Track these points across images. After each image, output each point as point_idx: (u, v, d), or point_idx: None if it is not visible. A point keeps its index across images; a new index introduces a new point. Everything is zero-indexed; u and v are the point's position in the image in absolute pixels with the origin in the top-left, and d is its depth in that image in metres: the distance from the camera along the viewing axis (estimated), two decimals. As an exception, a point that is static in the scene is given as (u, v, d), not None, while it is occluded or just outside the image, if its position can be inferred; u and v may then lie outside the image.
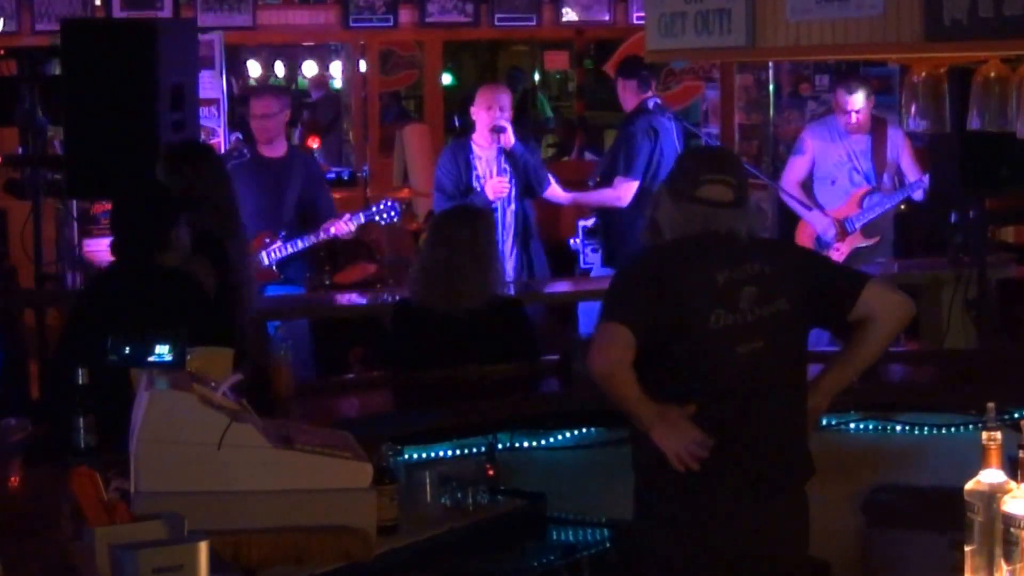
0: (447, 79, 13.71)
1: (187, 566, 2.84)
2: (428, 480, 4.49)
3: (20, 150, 7.32)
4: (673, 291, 3.94)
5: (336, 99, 13.90)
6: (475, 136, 7.79)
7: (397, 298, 6.18)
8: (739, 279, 3.96)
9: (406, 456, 4.65)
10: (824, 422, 4.92)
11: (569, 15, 11.05)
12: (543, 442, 5.16)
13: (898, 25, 5.26)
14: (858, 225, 8.12)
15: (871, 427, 5.27)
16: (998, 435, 2.99)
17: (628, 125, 8.05)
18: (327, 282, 8.13)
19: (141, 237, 4.92)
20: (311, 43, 13.45)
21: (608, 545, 4.61)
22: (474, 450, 4.98)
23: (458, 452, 4.97)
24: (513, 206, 7.70)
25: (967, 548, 2.97)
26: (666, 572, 4.02)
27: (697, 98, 11.52)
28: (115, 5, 9.82)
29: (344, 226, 7.44)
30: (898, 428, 5.27)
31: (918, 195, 8.12)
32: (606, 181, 8.06)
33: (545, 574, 4.51)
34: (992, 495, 2.93)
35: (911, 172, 8.16)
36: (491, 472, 4.76)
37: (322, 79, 14.68)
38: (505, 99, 7.76)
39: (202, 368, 4.00)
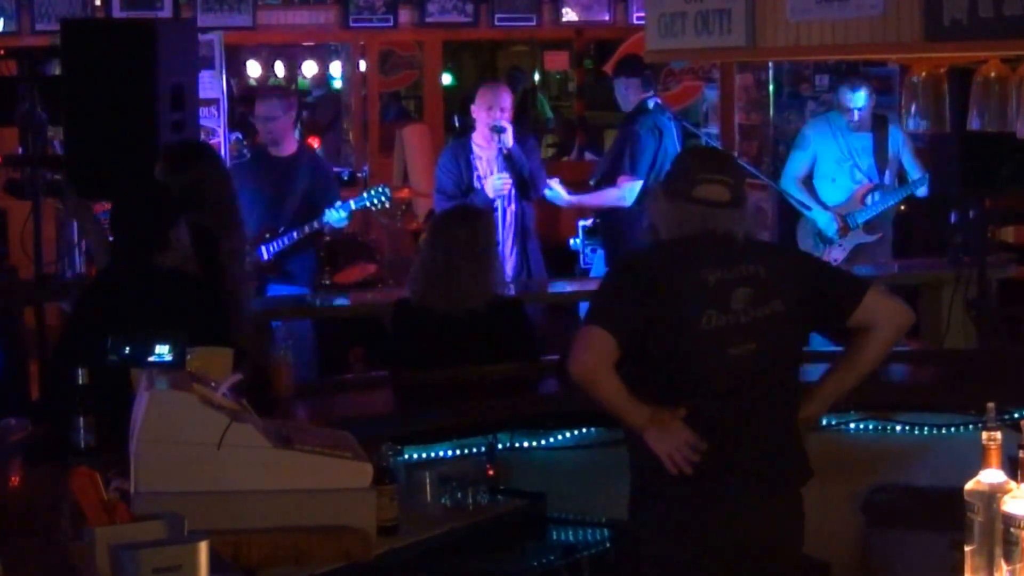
0: (447, 79, 13.73)
1: (187, 566, 2.84)
2: (428, 480, 4.49)
3: (20, 150, 7.31)
4: (663, 292, 3.92)
5: (336, 99, 13.91)
6: (475, 136, 7.79)
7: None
8: (732, 280, 3.95)
9: (406, 456, 4.65)
10: (824, 422, 4.92)
11: (569, 15, 11.06)
12: (543, 442, 5.16)
13: (898, 25, 5.26)
14: (861, 221, 8.13)
15: (871, 427, 5.27)
16: (998, 435, 2.98)
17: (631, 124, 8.03)
18: (327, 282, 8.13)
19: (140, 237, 4.92)
20: (311, 43, 13.45)
21: (608, 545, 4.60)
22: (474, 450, 4.98)
23: (458, 452, 4.97)
24: (513, 206, 7.70)
25: (967, 548, 2.97)
26: (661, 574, 4.01)
27: (697, 98, 11.52)
28: (115, 5, 9.82)
29: (335, 213, 7.42)
30: (898, 428, 5.26)
31: (922, 191, 8.13)
32: (608, 181, 8.06)
33: (545, 574, 4.50)
34: (992, 495, 2.93)
35: (913, 169, 8.17)
36: (491, 472, 4.76)
37: (322, 79, 14.69)
38: (506, 99, 7.76)
39: (202, 368, 4.00)
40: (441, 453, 4.94)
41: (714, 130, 10.87)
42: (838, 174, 8.21)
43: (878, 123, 8.21)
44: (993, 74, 5.44)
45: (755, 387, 3.94)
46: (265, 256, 7.43)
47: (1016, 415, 4.80)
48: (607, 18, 11.07)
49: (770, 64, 10.05)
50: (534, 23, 11.05)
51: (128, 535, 3.05)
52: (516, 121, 8.21)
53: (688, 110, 11.34)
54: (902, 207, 8.45)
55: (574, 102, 13.85)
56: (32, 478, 4.31)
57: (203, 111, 8.77)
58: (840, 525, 5.17)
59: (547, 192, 8.00)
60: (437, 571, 4.25)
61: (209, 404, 3.68)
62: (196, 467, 3.61)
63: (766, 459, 3.98)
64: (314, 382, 6.02)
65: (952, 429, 5.16)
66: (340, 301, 7.67)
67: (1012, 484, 2.93)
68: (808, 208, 8.18)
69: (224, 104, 9.69)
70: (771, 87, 10.42)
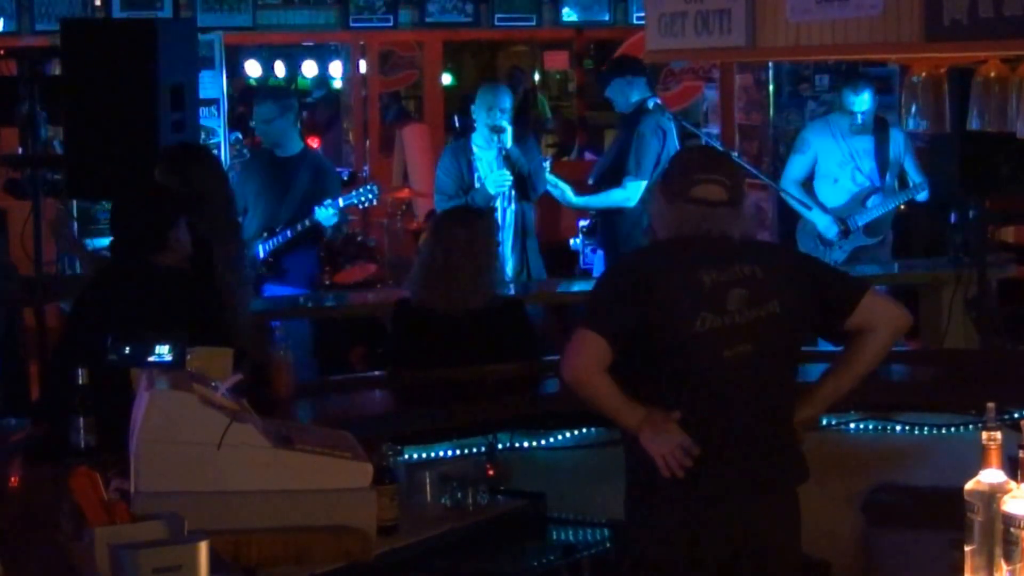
0: (447, 79, 13.72)
1: (187, 566, 2.84)
2: (428, 480, 4.49)
3: (20, 150, 7.31)
4: (657, 294, 3.90)
5: (336, 99, 13.90)
6: (475, 136, 7.79)
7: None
8: (728, 281, 3.93)
9: (406, 456, 4.65)
10: (824, 422, 4.92)
11: (569, 15, 11.06)
12: (543, 442, 5.16)
13: (898, 25, 5.27)
14: (861, 223, 8.12)
15: (871, 427, 5.27)
16: (998, 435, 2.98)
17: (636, 125, 7.99)
18: (327, 282, 8.13)
19: (140, 237, 4.92)
20: (311, 43, 13.45)
21: (608, 545, 4.60)
22: (474, 450, 4.98)
23: (458, 452, 4.97)
24: (513, 206, 7.70)
25: (967, 548, 2.98)
26: (656, 575, 4.01)
27: (697, 98, 11.52)
28: (115, 5, 9.82)
29: (325, 211, 7.41)
30: (898, 428, 5.26)
31: (922, 196, 8.11)
32: (610, 181, 8.04)
33: (545, 574, 4.50)
34: (992, 495, 2.93)
35: (914, 173, 8.16)
36: (491, 472, 4.76)
37: (322, 79, 14.68)
38: (505, 99, 7.76)
39: (202, 368, 4.00)
40: (441, 453, 4.94)
41: (714, 130, 10.87)
42: (840, 176, 8.19)
43: (879, 126, 8.20)
44: (993, 74, 5.45)
45: (750, 388, 3.93)
46: (261, 255, 7.44)
47: (1016, 415, 4.80)
48: (607, 18, 11.08)
49: (770, 64, 10.05)
50: (534, 23, 11.06)
51: (128, 535, 3.05)
52: (516, 121, 8.21)
53: (688, 110, 11.34)
54: (902, 207, 8.44)
55: (574, 102, 13.85)
56: (32, 478, 4.31)
57: (203, 111, 8.78)
58: (840, 525, 5.17)
59: (554, 191, 7.99)
60: (437, 571, 4.25)
61: (209, 404, 3.68)
62: (196, 467, 3.61)
63: (762, 460, 3.96)
64: (314, 382, 6.02)
65: (952, 429, 5.16)
66: (340, 301, 7.67)
67: (1012, 484, 2.93)
68: (808, 208, 8.17)
69: (224, 104, 9.70)
70: (771, 87, 10.41)
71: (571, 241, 8.87)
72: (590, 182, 8.28)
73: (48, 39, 8.66)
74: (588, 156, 11.61)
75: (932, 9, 5.04)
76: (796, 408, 4.07)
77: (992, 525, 2.92)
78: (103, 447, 4.14)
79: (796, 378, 4.12)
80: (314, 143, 11.91)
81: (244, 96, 13.03)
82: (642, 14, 8.86)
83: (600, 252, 8.39)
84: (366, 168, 10.55)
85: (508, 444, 5.08)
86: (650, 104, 8.03)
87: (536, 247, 7.87)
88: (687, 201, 4.01)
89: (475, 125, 7.80)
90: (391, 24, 10.68)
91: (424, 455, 4.85)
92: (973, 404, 4.94)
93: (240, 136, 10.64)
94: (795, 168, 8.32)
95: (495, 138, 7.62)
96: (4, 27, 9.98)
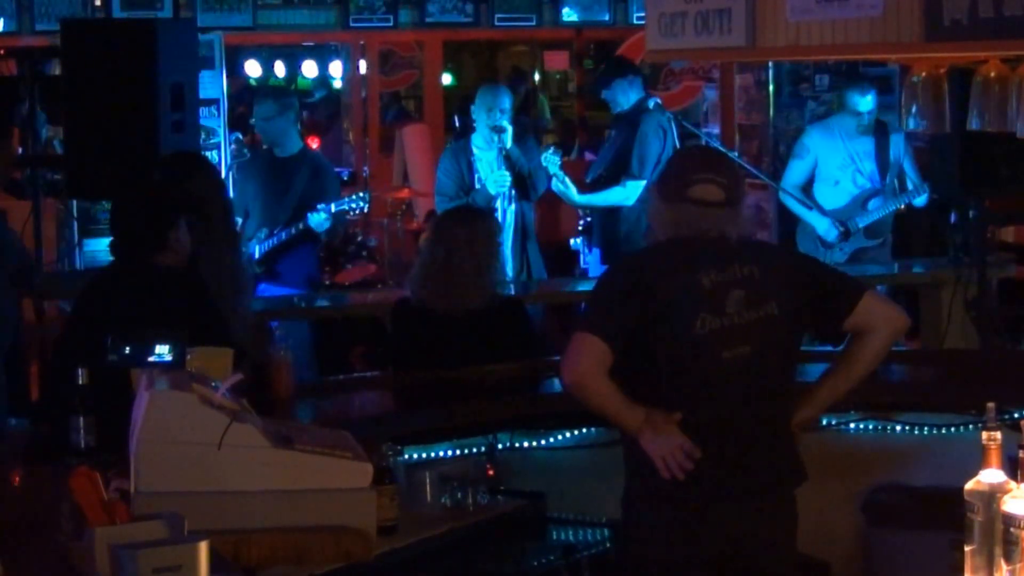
0: (447, 79, 13.72)
1: (187, 566, 2.84)
2: (428, 480, 4.49)
3: (20, 150, 7.32)
4: (656, 296, 3.89)
5: (336, 99, 13.90)
6: (475, 137, 7.79)
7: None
8: (726, 282, 3.92)
9: (406, 456, 4.65)
10: (824, 422, 4.93)
11: (569, 15, 11.06)
12: (543, 442, 5.16)
13: (898, 25, 5.27)
14: (862, 225, 8.12)
15: (871, 427, 5.27)
16: (998, 435, 2.98)
17: (639, 125, 7.97)
18: (327, 282, 8.13)
19: (140, 237, 4.92)
20: (311, 43, 13.45)
21: (608, 545, 4.60)
22: (474, 450, 4.98)
23: (458, 452, 4.97)
24: (513, 206, 7.70)
25: (967, 548, 2.97)
26: (654, 575, 4.01)
27: (697, 98, 11.52)
28: (115, 5, 9.83)
29: (317, 216, 7.40)
30: (898, 428, 5.26)
31: (922, 199, 8.10)
32: (610, 180, 8.04)
33: (545, 574, 4.50)
34: (992, 495, 2.93)
35: (913, 176, 8.15)
36: (491, 472, 4.76)
37: (322, 79, 14.68)
38: (505, 100, 7.76)
39: (202, 368, 4.00)
40: (441, 453, 4.94)
41: (714, 130, 10.87)
42: (840, 178, 8.18)
43: (879, 128, 8.19)
44: (993, 74, 5.44)
45: (749, 389, 3.93)
46: (256, 255, 7.43)
47: (1016, 415, 4.80)
48: (607, 18, 11.08)
49: (770, 64, 10.05)
50: (534, 23, 11.06)
51: (128, 535, 3.05)
52: (516, 121, 8.21)
53: (688, 110, 11.34)
54: (902, 208, 8.44)
55: (574, 102, 13.84)
56: (32, 478, 4.31)
57: (203, 111, 8.78)
58: (840, 525, 5.17)
59: (559, 186, 7.97)
60: (437, 571, 4.25)
61: (209, 404, 3.67)
62: (196, 467, 3.60)
63: (760, 461, 3.96)
64: (314, 382, 6.02)
65: (952, 429, 5.16)
66: (340, 301, 7.67)
67: (1012, 484, 2.93)
68: (809, 207, 8.16)
69: (224, 104, 9.70)
70: (771, 87, 10.41)
71: (571, 241, 8.86)
72: (587, 180, 8.27)
73: (48, 39, 8.67)
74: (588, 156, 11.60)
75: (932, 9, 5.04)
76: (795, 409, 4.07)
77: (992, 525, 2.91)
78: (103, 447, 4.13)
79: (795, 379, 4.12)
80: (314, 143, 11.91)
81: (244, 96, 13.03)
82: (642, 14, 8.86)
83: (596, 250, 8.38)
84: (366, 168, 10.55)
85: (508, 444, 5.08)
86: (650, 104, 8.03)
87: (536, 247, 7.87)
88: (685, 201, 3.99)
89: (475, 125, 7.81)
90: (391, 24, 10.68)
91: (424, 455, 4.85)
92: (973, 404, 4.93)
93: (240, 136, 10.63)
94: (794, 173, 8.30)
95: (495, 138, 7.63)
96: (4, 27, 9.99)
